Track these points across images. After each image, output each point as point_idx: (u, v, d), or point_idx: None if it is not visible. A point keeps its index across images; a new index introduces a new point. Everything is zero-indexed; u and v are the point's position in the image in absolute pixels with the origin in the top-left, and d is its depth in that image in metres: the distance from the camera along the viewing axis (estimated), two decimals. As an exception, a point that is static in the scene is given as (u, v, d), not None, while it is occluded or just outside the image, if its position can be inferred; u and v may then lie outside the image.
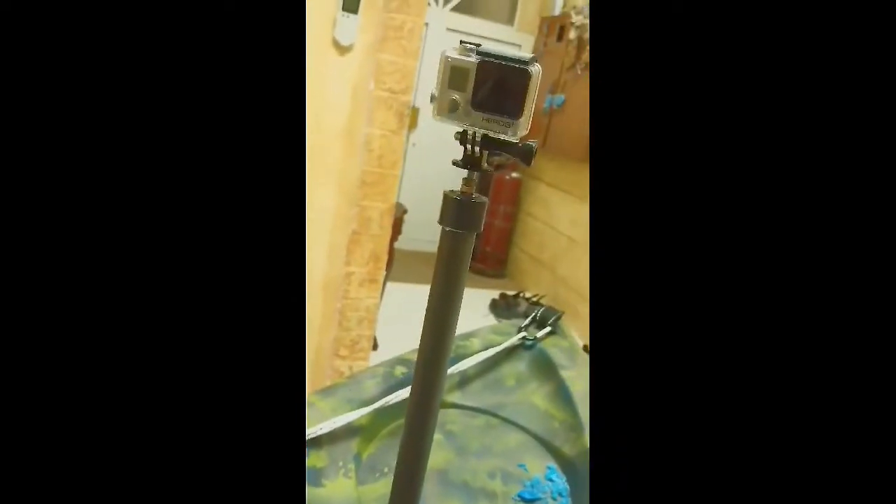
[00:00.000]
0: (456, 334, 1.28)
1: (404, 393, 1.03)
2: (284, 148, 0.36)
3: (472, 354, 1.16)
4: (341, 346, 2.05)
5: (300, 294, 0.38)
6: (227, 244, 0.36)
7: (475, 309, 3.70)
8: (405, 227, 2.99)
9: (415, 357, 1.15)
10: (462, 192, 0.52)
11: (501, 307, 3.76)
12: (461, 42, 0.47)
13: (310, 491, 0.85)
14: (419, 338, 1.36)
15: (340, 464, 0.91)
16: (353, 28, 1.69)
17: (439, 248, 0.53)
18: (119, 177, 0.34)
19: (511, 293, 3.83)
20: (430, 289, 0.55)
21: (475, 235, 0.53)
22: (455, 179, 0.52)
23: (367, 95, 1.78)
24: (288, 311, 0.36)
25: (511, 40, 4.48)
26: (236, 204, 0.35)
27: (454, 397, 1.12)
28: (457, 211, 0.52)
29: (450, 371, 1.11)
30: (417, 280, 3.30)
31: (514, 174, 4.36)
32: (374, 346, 2.52)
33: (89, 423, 0.34)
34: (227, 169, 0.35)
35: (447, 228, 0.52)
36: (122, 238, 0.34)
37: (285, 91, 0.36)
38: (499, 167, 4.24)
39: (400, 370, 1.09)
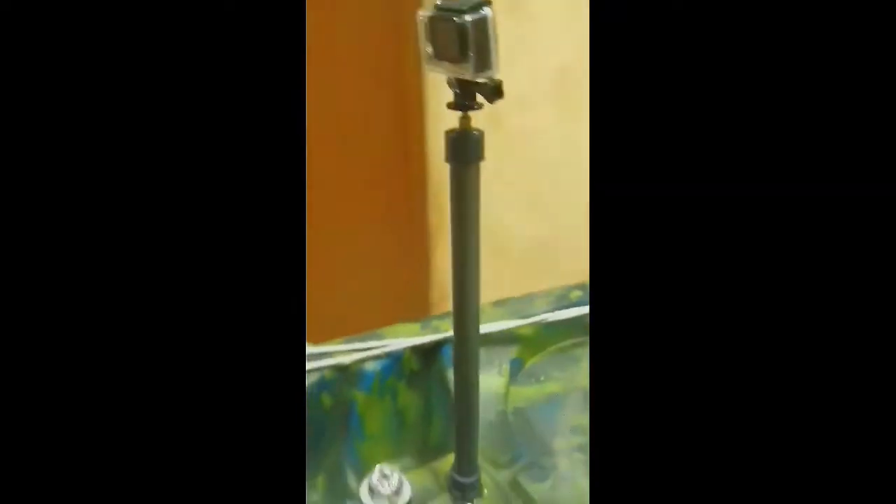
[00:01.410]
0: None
1: (566, 313, 1.09)
2: (284, 146, 0.38)
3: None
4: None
5: (300, 293, 0.41)
6: (228, 240, 0.38)
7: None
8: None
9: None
10: (459, 129, 0.59)
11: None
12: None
13: (461, 377, 1.03)
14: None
15: (497, 362, 1.06)
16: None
17: (450, 184, 0.62)
18: (118, 171, 0.36)
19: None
20: (450, 222, 0.64)
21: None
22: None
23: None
24: (288, 304, 0.39)
25: None
26: (237, 198, 0.39)
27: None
28: (455, 146, 0.60)
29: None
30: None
31: None
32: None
33: (92, 398, 0.37)
34: (227, 167, 0.38)
35: (452, 164, 0.61)
36: (123, 230, 0.37)
37: (285, 88, 0.38)
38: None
39: (576, 294, 1.15)
